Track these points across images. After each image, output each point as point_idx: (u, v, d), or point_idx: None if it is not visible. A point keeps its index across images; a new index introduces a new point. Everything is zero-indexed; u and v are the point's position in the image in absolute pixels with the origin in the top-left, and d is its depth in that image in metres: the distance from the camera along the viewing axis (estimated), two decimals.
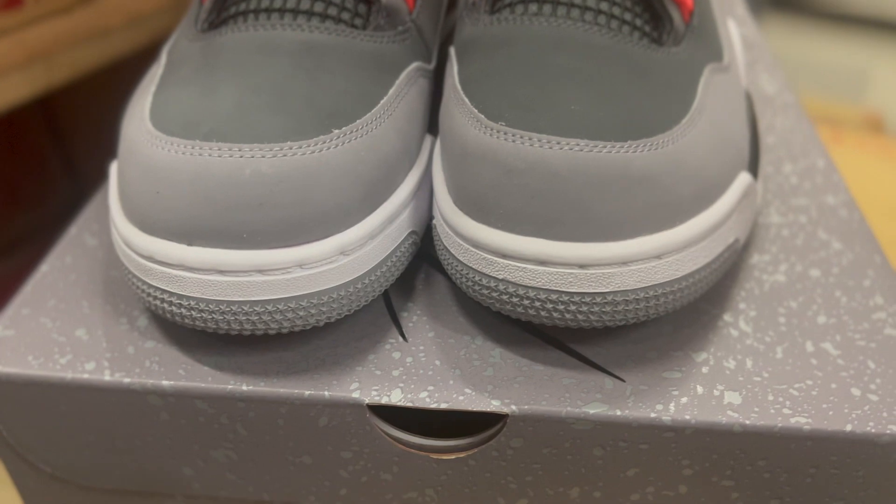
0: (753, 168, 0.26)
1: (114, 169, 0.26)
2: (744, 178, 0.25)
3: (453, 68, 0.26)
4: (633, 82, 0.23)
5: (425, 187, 0.26)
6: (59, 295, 0.26)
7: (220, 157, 0.21)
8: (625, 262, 0.21)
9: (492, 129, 0.22)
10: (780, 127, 0.35)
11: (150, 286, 0.22)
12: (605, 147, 0.21)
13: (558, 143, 0.21)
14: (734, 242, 0.24)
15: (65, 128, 0.60)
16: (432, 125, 0.28)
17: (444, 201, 0.24)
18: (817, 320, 0.25)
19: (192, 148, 0.21)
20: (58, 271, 0.27)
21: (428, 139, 0.28)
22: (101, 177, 0.34)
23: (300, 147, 0.22)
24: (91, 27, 0.41)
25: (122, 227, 0.23)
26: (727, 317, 0.25)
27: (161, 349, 0.24)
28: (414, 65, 0.27)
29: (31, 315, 0.25)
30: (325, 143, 0.22)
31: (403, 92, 0.26)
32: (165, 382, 0.23)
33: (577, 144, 0.21)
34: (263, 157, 0.21)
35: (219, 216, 0.21)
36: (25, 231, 0.59)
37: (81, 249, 0.28)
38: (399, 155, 0.25)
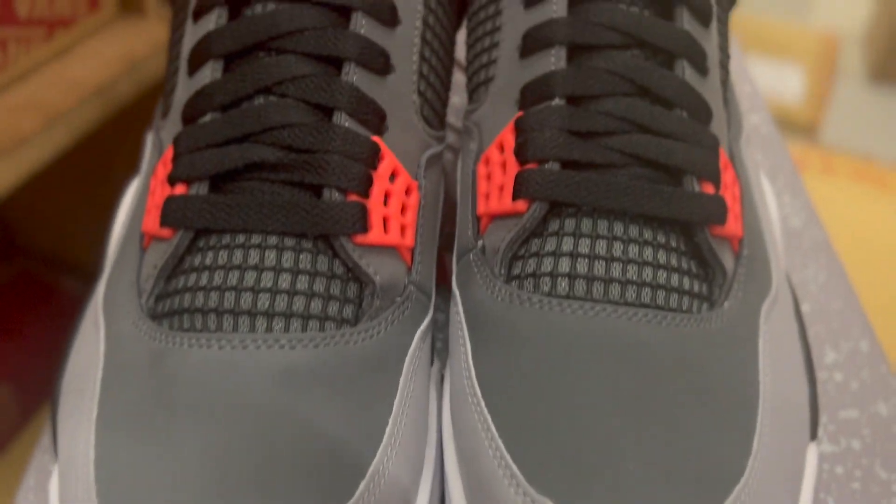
0: (814, 426, 0.23)
1: (54, 489, 0.21)
2: (811, 457, 0.22)
3: (465, 343, 0.22)
4: (691, 399, 0.19)
5: (437, 490, 0.22)
6: None
7: None
8: None
9: (534, 502, 0.18)
10: (815, 286, 0.31)
11: None
12: None
13: None
14: None
15: None
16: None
17: None
18: None
19: None
20: None
21: (433, 396, 0.23)
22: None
23: None
24: (2, 137, 0.35)
25: None
26: None
27: None
28: (416, 336, 0.22)
29: None
30: None
31: (408, 392, 0.21)
32: None
33: None
34: None
35: None
36: None
37: None
38: (409, 490, 0.20)
